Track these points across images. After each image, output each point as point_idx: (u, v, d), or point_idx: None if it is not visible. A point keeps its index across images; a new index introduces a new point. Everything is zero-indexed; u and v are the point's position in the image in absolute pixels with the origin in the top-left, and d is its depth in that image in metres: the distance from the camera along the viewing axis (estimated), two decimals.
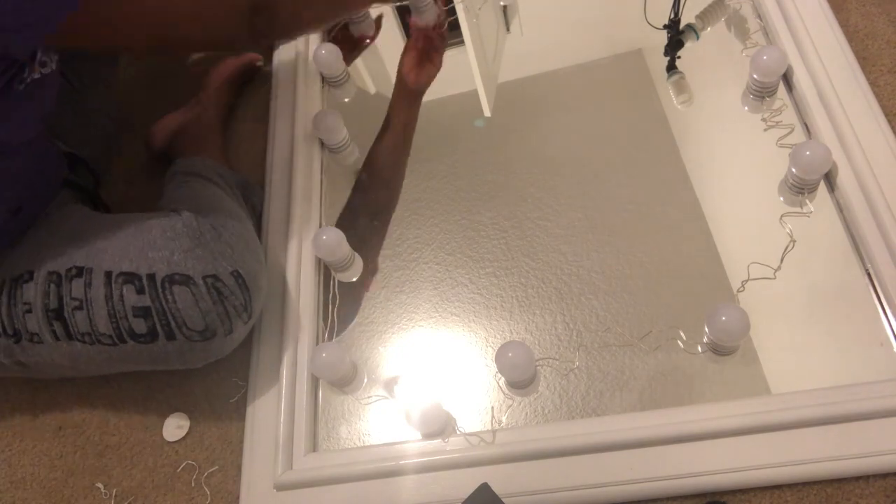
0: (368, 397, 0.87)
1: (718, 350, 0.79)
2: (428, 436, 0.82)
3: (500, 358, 0.80)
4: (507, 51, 1.17)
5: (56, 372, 0.89)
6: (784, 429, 0.73)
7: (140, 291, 0.79)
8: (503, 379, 0.84)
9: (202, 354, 0.83)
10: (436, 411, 0.82)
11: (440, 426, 0.82)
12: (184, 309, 0.79)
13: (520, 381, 0.83)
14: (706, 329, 0.79)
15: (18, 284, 0.83)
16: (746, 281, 0.83)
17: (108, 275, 0.80)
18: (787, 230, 0.85)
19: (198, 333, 0.80)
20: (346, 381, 0.88)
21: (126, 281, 0.79)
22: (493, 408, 0.83)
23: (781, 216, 0.86)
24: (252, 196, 1.01)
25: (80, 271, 0.81)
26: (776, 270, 0.83)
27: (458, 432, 0.81)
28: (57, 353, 0.83)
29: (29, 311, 0.82)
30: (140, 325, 0.79)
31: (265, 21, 0.80)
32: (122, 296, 0.79)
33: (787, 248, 0.84)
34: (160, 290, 0.79)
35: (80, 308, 0.80)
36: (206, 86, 1.13)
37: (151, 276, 0.79)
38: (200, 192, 0.93)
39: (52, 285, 0.81)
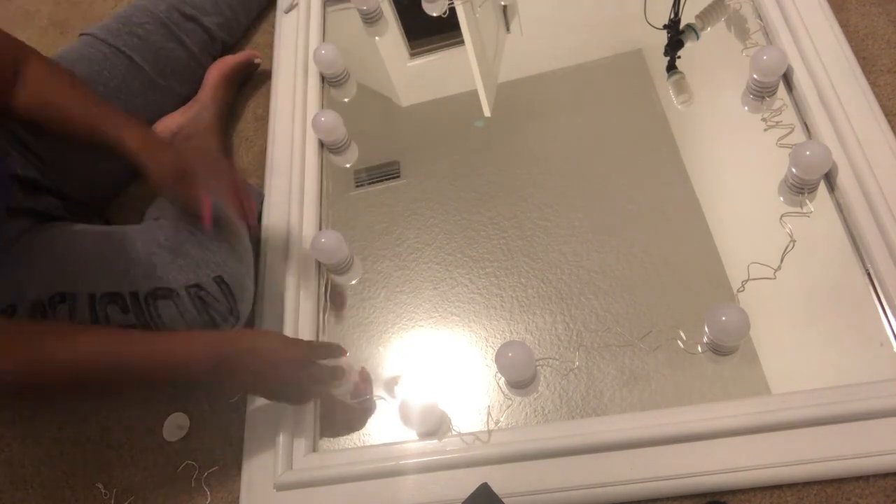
0: (367, 397, 0.87)
1: (718, 350, 0.79)
2: (424, 435, 0.82)
3: (500, 358, 0.80)
4: (507, 51, 1.17)
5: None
6: (784, 429, 0.73)
7: (125, 310, 0.79)
8: (503, 379, 0.84)
9: None
10: (432, 410, 0.82)
11: (436, 425, 0.82)
12: (169, 322, 0.79)
13: (520, 380, 0.83)
14: (706, 329, 0.79)
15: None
16: (746, 281, 0.83)
17: (92, 297, 0.80)
18: (787, 230, 0.85)
19: None
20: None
21: (110, 301, 0.79)
22: (491, 407, 0.83)
23: (781, 216, 0.86)
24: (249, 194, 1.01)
25: (64, 297, 0.80)
26: (776, 270, 0.83)
27: (454, 432, 0.81)
28: None
29: None
30: None
31: None
32: (107, 317, 0.79)
33: (787, 248, 0.84)
34: (144, 306, 0.79)
35: None
36: (204, 85, 1.12)
37: (135, 294, 0.79)
38: None
39: (38, 315, 0.81)
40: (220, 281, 0.82)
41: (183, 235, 0.83)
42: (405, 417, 0.82)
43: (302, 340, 0.87)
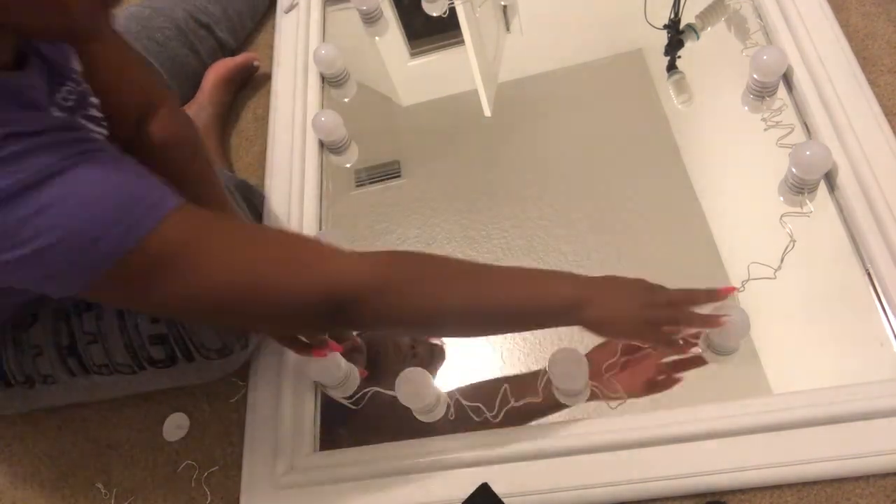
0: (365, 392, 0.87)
1: (719, 350, 0.79)
2: (420, 411, 0.82)
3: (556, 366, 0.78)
4: (507, 51, 1.17)
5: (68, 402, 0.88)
6: (784, 429, 0.73)
7: (154, 319, 0.77)
8: (555, 386, 0.82)
9: (220, 370, 0.83)
10: (427, 384, 0.81)
11: (433, 402, 0.82)
12: (200, 331, 0.78)
13: (571, 390, 0.82)
14: (706, 330, 0.79)
15: (22, 329, 0.80)
16: (747, 281, 0.83)
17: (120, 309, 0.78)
18: (788, 230, 0.85)
19: (215, 352, 0.80)
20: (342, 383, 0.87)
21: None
22: (491, 406, 0.83)
23: (781, 216, 0.86)
24: (252, 197, 1.01)
25: (89, 304, 0.79)
26: (776, 270, 0.83)
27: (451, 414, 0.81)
28: (73, 389, 0.83)
29: (39, 353, 0.80)
30: (159, 352, 0.79)
31: (346, 317, 0.67)
32: (136, 325, 0.78)
33: (787, 248, 0.84)
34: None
35: (94, 342, 0.79)
36: (202, 87, 1.12)
37: None
38: None
39: (61, 322, 0.79)
40: None
41: None
42: (401, 393, 0.82)
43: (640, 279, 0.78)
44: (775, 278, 0.83)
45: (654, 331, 0.74)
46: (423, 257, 0.71)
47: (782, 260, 0.83)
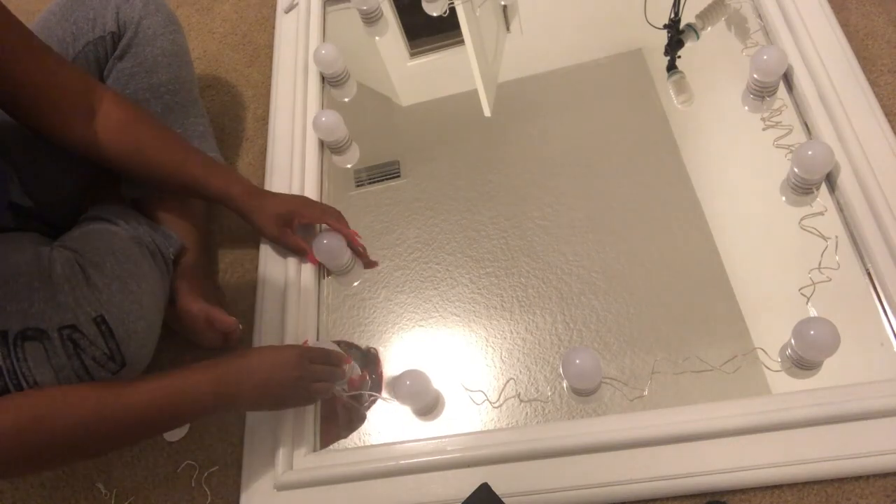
0: (369, 396, 0.87)
1: (803, 365, 0.78)
2: (419, 412, 0.82)
3: (569, 365, 0.79)
4: (507, 51, 1.17)
5: None
6: (784, 429, 0.73)
7: None
8: (566, 382, 0.82)
9: None
10: (426, 385, 0.82)
11: (433, 402, 0.82)
12: (34, 367, 0.71)
13: (585, 388, 0.82)
14: (792, 341, 0.77)
15: None
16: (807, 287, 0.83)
17: None
18: (815, 231, 0.85)
19: None
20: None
21: None
22: (492, 407, 0.83)
23: (801, 218, 0.86)
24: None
25: None
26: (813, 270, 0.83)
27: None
28: None
29: None
30: None
31: None
32: None
33: (825, 248, 0.83)
34: (12, 347, 0.71)
35: None
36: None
37: (4, 334, 0.71)
38: (90, 230, 0.85)
39: None
40: (100, 321, 0.75)
41: (72, 269, 0.77)
42: (399, 393, 0.82)
43: (294, 345, 0.88)
44: (829, 280, 0.82)
45: (309, 393, 0.82)
46: (49, 395, 0.71)
47: (820, 262, 0.83)
